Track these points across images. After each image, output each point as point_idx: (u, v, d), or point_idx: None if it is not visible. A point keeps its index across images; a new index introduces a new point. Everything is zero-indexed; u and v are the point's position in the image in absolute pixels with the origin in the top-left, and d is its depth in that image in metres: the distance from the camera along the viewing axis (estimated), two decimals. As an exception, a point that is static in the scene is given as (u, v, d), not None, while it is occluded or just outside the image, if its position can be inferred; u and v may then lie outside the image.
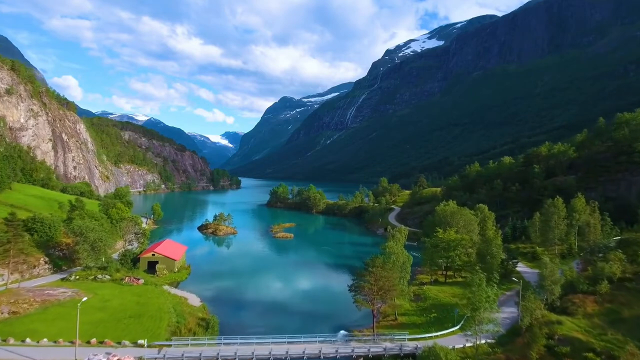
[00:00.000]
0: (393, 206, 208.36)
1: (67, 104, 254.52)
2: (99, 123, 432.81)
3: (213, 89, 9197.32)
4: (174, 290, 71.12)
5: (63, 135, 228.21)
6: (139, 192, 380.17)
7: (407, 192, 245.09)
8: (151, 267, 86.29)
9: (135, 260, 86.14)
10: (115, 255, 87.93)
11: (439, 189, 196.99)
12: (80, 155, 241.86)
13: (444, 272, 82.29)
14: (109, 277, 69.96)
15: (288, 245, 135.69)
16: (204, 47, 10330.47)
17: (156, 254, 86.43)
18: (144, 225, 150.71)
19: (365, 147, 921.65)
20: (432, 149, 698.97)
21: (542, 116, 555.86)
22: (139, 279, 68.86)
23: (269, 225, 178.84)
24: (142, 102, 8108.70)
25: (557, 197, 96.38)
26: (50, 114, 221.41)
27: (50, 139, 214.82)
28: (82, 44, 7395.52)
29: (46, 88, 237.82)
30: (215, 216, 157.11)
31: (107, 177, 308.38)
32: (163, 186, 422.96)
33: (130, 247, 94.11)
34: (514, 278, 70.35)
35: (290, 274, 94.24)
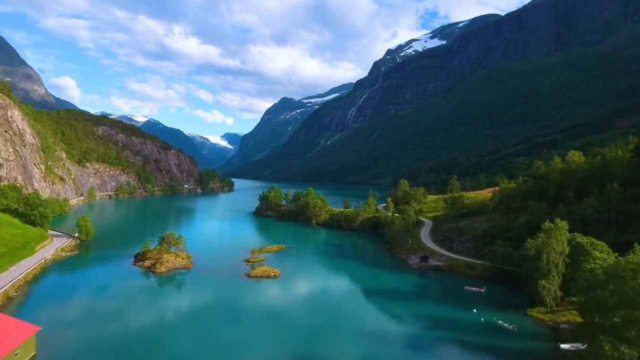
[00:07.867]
0: (420, 218, 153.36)
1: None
2: (67, 116, 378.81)
3: (212, 90, 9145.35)
4: None
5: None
6: (109, 195, 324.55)
7: (435, 197, 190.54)
8: None
9: None
10: None
11: (488, 194, 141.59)
12: (11, 150, 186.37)
13: None
14: None
15: (268, 297, 77.60)
16: (202, 46, 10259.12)
17: None
18: (44, 253, 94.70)
19: (366, 147, 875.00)
20: (437, 149, 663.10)
21: (552, 115, 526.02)
22: None
23: (248, 247, 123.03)
24: (140, 102, 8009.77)
25: None
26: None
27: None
28: (79, 44, 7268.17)
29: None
30: (161, 238, 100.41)
31: (62, 179, 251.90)
32: (140, 189, 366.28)
33: None
34: None
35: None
